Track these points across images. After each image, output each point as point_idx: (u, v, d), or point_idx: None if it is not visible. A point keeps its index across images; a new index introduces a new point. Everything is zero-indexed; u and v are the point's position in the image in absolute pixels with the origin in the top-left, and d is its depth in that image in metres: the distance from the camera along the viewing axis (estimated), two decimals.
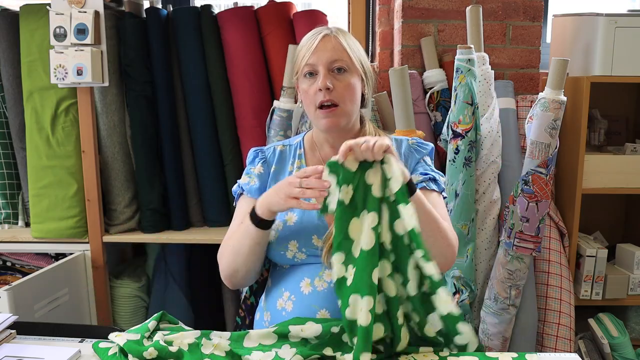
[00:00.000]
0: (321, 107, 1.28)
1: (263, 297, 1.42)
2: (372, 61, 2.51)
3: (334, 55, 1.27)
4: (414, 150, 1.38)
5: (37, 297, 1.88)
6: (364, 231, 1.11)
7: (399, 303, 1.13)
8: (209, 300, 2.32)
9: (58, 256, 2.20)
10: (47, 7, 2.00)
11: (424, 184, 1.32)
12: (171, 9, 2.21)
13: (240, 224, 1.30)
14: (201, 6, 2.17)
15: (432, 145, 1.41)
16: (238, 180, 1.42)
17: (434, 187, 1.33)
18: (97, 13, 1.97)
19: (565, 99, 1.88)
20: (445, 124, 2.00)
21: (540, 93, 1.92)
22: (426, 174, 1.34)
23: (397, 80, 1.88)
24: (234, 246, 1.29)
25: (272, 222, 1.24)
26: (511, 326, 1.99)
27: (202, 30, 2.15)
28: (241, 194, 1.39)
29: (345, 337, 1.14)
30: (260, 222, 1.22)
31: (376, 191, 1.13)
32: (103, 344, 1.21)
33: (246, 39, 2.13)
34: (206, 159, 2.19)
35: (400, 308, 1.13)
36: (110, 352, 1.17)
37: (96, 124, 2.11)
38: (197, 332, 1.18)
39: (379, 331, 1.11)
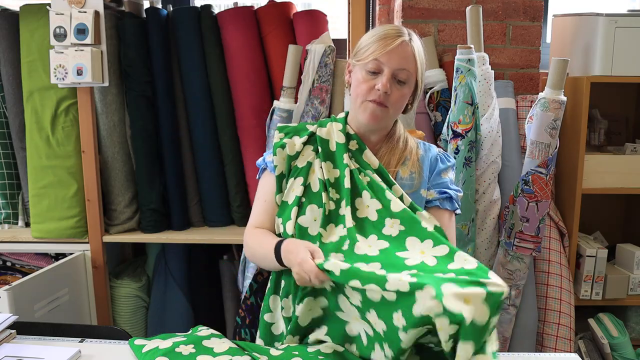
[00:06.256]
0: (371, 100, 1.32)
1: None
2: None
3: (403, 64, 1.30)
4: (439, 160, 1.42)
5: (37, 297, 1.88)
6: None
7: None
8: (209, 300, 2.32)
9: (58, 256, 2.20)
10: (47, 7, 2.00)
11: (437, 203, 1.37)
12: (171, 9, 2.21)
13: (263, 204, 1.39)
14: (201, 6, 2.17)
15: (454, 161, 1.45)
16: (264, 154, 1.44)
17: (447, 206, 1.37)
18: (97, 13, 1.97)
19: (565, 99, 1.88)
20: (445, 124, 2.00)
21: (540, 93, 1.92)
22: (443, 192, 1.37)
23: None
24: (256, 254, 1.37)
25: None
26: (511, 326, 1.99)
27: (202, 30, 2.14)
28: (265, 168, 1.42)
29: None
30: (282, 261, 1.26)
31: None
32: (138, 341, 1.22)
33: (246, 39, 2.13)
34: (206, 159, 2.19)
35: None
36: (145, 350, 1.18)
37: (96, 124, 2.11)
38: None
39: None
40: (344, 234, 1.25)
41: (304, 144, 1.37)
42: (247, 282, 1.89)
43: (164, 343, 1.20)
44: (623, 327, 2.08)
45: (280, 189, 1.35)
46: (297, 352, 1.20)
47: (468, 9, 1.97)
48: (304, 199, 1.30)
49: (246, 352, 1.18)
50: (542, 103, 1.88)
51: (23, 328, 1.33)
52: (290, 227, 1.28)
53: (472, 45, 1.94)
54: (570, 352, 1.93)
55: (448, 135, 1.96)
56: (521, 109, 2.15)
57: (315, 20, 2.17)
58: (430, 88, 2.19)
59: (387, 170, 1.35)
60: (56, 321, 1.89)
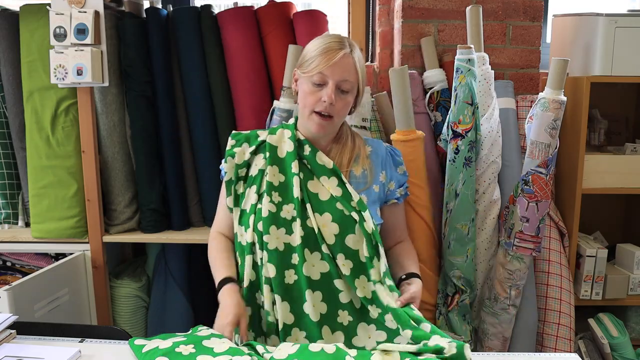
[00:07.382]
0: (317, 112, 1.43)
1: None
2: (372, 61, 2.51)
3: (346, 75, 1.41)
4: (390, 156, 1.55)
5: (37, 297, 1.88)
6: None
7: None
8: (209, 300, 2.30)
9: (58, 256, 2.20)
10: (47, 7, 2.00)
11: (397, 196, 1.54)
12: (171, 9, 2.21)
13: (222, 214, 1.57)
14: (201, 6, 2.17)
15: (399, 151, 1.59)
16: (223, 161, 1.52)
17: (402, 199, 1.56)
18: (97, 13, 1.97)
19: (565, 99, 1.88)
20: (445, 124, 2.00)
21: (540, 93, 1.92)
22: (403, 187, 1.55)
23: (397, 80, 1.88)
24: (213, 266, 1.58)
25: None
26: (511, 326, 1.99)
27: (202, 30, 2.14)
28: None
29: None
30: None
31: None
32: (138, 341, 1.23)
33: (246, 39, 2.13)
34: (206, 159, 2.19)
35: None
36: (145, 350, 1.18)
37: (96, 124, 2.11)
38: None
39: None
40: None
41: (255, 153, 1.48)
42: None
43: (164, 343, 1.20)
44: (623, 327, 2.08)
45: (230, 193, 1.47)
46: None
47: (468, 9, 1.97)
48: (259, 206, 1.40)
49: (246, 352, 1.18)
50: (542, 103, 1.88)
51: (23, 328, 1.33)
52: (249, 235, 1.40)
53: (472, 45, 1.94)
54: (570, 352, 1.93)
55: (448, 135, 1.96)
56: (521, 109, 2.15)
57: (315, 20, 2.17)
58: (430, 88, 2.19)
59: (341, 170, 1.46)
60: (56, 321, 1.89)
